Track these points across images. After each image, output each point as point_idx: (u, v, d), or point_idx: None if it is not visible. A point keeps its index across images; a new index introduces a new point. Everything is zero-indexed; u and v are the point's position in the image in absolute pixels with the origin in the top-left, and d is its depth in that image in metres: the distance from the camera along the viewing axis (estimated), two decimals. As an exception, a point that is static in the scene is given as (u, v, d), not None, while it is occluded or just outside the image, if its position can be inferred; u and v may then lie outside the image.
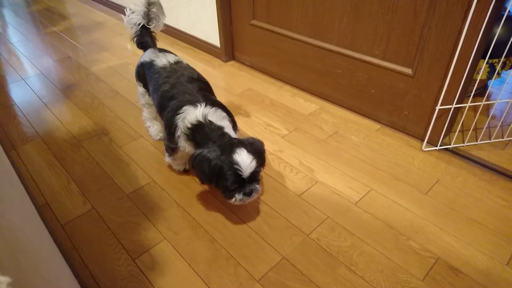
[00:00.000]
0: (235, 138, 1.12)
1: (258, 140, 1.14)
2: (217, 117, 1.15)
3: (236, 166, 1.03)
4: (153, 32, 1.51)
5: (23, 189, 1.27)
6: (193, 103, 1.16)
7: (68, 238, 1.19)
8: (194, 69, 1.35)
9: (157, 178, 1.40)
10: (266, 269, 1.08)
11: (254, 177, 1.08)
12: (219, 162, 1.04)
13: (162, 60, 1.34)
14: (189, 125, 1.13)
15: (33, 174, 1.44)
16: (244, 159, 1.03)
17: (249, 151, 1.05)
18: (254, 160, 1.05)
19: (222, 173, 1.04)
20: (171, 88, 1.24)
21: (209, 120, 1.12)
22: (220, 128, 1.12)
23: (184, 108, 1.16)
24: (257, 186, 1.10)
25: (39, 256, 0.81)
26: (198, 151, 1.09)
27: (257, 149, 1.09)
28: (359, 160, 1.48)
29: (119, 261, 1.11)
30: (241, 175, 1.04)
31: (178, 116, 1.16)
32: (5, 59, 2.43)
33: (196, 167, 1.08)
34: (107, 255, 1.13)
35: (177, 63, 1.35)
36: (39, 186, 1.38)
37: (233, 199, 1.09)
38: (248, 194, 1.09)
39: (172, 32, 2.65)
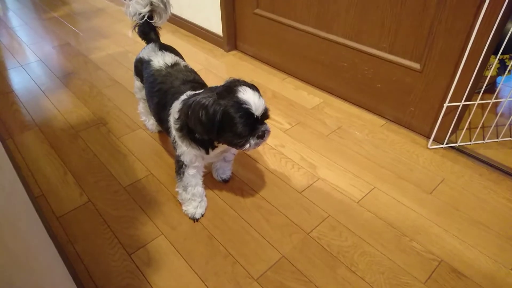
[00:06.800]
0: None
1: None
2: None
3: (245, 106, 0.89)
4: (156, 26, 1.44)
5: (18, 179, 1.24)
6: (178, 97, 1.07)
7: (63, 231, 1.16)
8: (191, 72, 1.24)
9: (155, 171, 1.37)
10: (264, 268, 1.05)
11: (266, 115, 0.96)
12: (220, 106, 0.89)
13: (159, 61, 1.24)
14: (176, 115, 1.02)
15: (29, 164, 1.42)
16: (251, 97, 0.90)
17: (252, 88, 0.94)
18: (261, 96, 0.93)
19: (228, 119, 0.90)
20: (164, 96, 1.13)
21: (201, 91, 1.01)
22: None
23: (172, 105, 1.07)
24: (267, 126, 0.98)
25: (31, 252, 0.79)
26: (192, 98, 0.95)
27: (254, 86, 0.97)
28: (362, 157, 1.44)
29: (114, 256, 1.09)
30: (253, 115, 0.91)
31: (169, 117, 1.08)
32: (3, 44, 2.38)
33: (191, 117, 0.93)
34: (103, 250, 1.10)
35: (174, 65, 1.24)
36: (35, 177, 1.36)
37: (247, 145, 0.95)
38: (262, 136, 0.97)
39: (175, 20, 2.59)
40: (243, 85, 0.93)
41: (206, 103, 0.90)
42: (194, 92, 1.04)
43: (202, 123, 0.91)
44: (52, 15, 2.84)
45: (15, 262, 0.66)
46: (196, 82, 1.19)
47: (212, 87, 1.00)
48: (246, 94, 0.90)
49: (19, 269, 0.66)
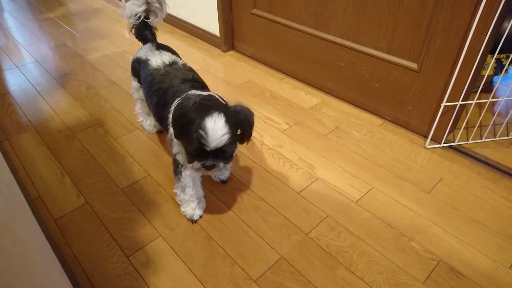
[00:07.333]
0: (223, 101, 0.98)
1: (248, 109, 0.96)
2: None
3: (201, 132, 0.86)
4: (153, 26, 1.43)
5: (15, 182, 1.24)
6: (179, 95, 1.06)
7: (61, 233, 1.16)
8: (190, 70, 1.23)
9: (153, 172, 1.37)
10: (263, 269, 1.05)
11: (221, 153, 0.91)
12: (189, 114, 0.89)
13: (157, 61, 1.23)
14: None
15: (26, 166, 1.41)
16: (215, 128, 0.86)
17: (228, 121, 0.88)
18: (228, 134, 0.88)
19: (187, 130, 0.89)
20: (164, 95, 1.13)
21: (198, 94, 1.00)
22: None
23: (173, 103, 1.06)
24: (221, 164, 0.93)
25: (29, 255, 0.78)
26: (190, 92, 0.97)
27: (242, 121, 0.93)
28: (360, 156, 1.44)
29: (113, 258, 1.08)
30: (204, 145, 0.88)
31: (168, 116, 1.07)
32: (-1, 45, 2.37)
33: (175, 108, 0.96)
34: (101, 252, 1.10)
35: (172, 64, 1.23)
36: (32, 179, 1.35)
37: (190, 165, 0.94)
38: (208, 168, 0.94)
39: (171, 20, 2.58)
40: (225, 114, 0.89)
41: (184, 103, 0.92)
42: (198, 92, 1.04)
43: (172, 115, 0.96)
44: (48, 15, 2.82)
45: (14, 264, 0.65)
46: (195, 81, 1.19)
47: (213, 96, 1.00)
48: (211, 124, 0.87)
49: (18, 271, 0.65)
